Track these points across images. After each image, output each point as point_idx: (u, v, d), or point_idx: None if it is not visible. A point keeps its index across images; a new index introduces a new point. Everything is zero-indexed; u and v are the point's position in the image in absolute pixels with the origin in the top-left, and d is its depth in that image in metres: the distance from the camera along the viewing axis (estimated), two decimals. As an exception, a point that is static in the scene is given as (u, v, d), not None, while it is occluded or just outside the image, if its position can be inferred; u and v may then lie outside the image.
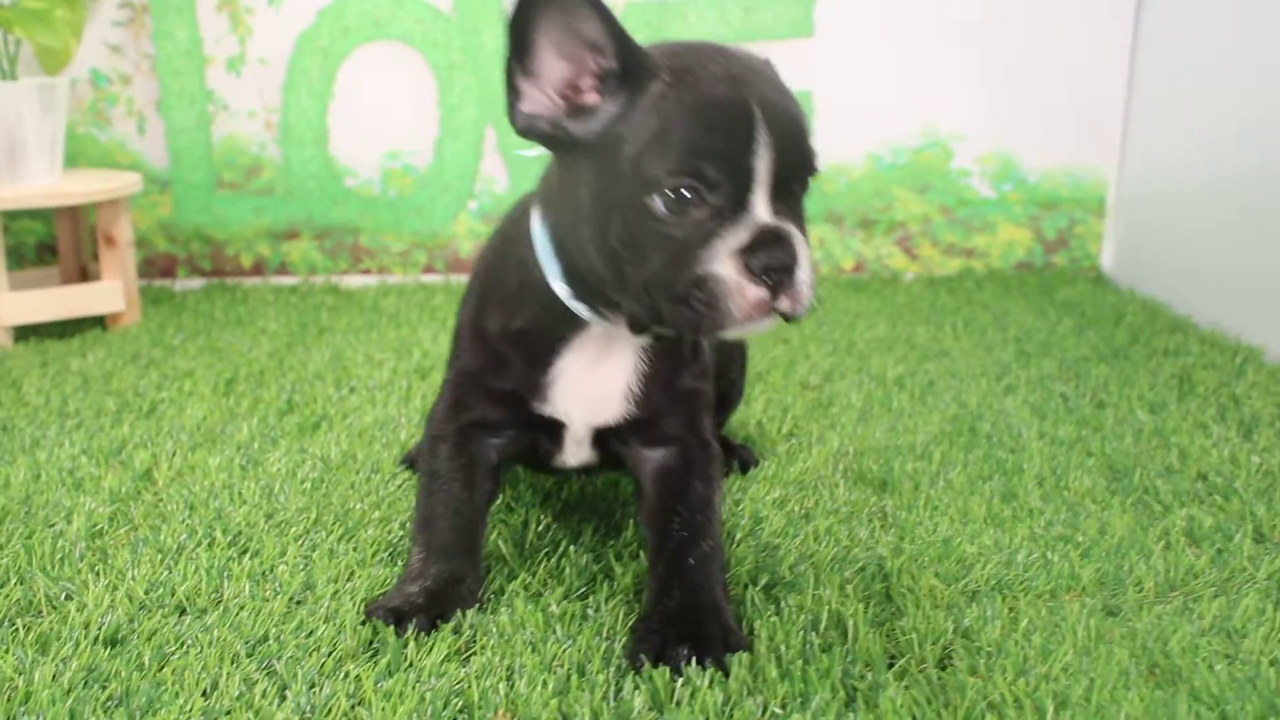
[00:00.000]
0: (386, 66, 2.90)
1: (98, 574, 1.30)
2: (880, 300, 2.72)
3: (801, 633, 1.15)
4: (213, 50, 2.88)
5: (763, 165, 1.08)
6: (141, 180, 2.62)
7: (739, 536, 1.41)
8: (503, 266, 1.29)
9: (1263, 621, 1.19)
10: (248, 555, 1.35)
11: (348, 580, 1.28)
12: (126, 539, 1.40)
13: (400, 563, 1.32)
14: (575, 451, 1.32)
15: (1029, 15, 2.89)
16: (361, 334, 2.44)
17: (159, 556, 1.34)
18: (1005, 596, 1.25)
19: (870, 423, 1.84)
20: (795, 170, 1.11)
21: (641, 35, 2.78)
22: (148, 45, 2.88)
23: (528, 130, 1.13)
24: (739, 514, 1.47)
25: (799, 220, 1.13)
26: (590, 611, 1.21)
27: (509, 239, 1.29)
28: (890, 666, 1.10)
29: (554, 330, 1.25)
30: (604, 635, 1.15)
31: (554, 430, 1.30)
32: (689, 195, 1.08)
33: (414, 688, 1.05)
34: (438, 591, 1.21)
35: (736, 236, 1.07)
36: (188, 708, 1.03)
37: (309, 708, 1.03)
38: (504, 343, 1.28)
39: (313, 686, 1.06)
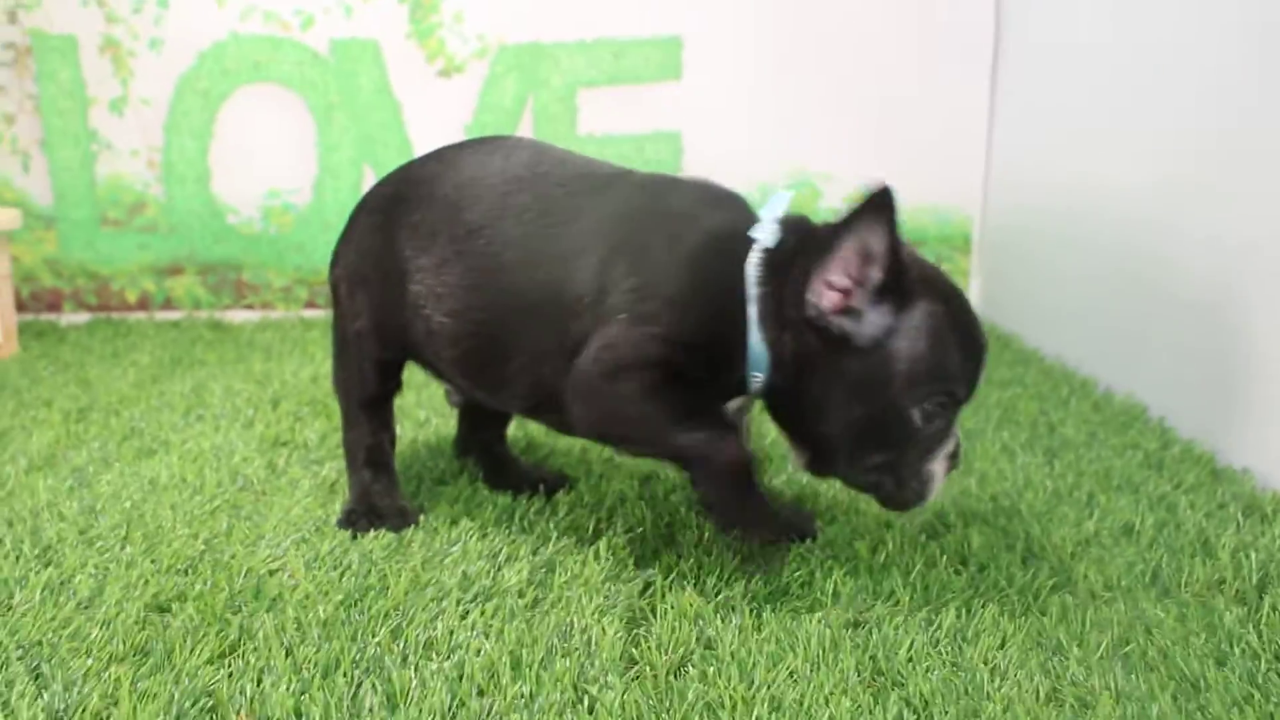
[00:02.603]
0: (266, 107, 2.98)
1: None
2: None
3: (546, 641, 1.21)
4: (96, 91, 2.96)
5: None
6: (20, 217, 2.67)
7: (522, 552, 1.47)
8: (711, 326, 1.36)
9: (996, 632, 1.26)
10: (50, 566, 1.40)
11: (139, 588, 1.34)
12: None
13: (191, 573, 1.38)
14: None
15: (892, 58, 3.01)
16: (229, 366, 2.50)
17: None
18: (758, 610, 1.31)
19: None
20: None
21: (513, 77, 2.91)
22: (31, 86, 2.95)
23: (813, 319, 1.29)
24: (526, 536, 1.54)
25: None
26: (356, 617, 1.27)
27: (713, 288, 1.35)
28: (626, 672, 1.17)
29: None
30: (358, 640, 1.21)
31: None
32: (939, 409, 1.33)
33: (168, 688, 1.11)
34: None
35: (950, 444, 1.38)
36: (-56, 707, 1.08)
37: (61, 707, 1.08)
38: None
39: (69, 688, 1.12)
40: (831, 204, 3.05)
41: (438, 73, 2.98)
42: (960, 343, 1.32)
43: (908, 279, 1.28)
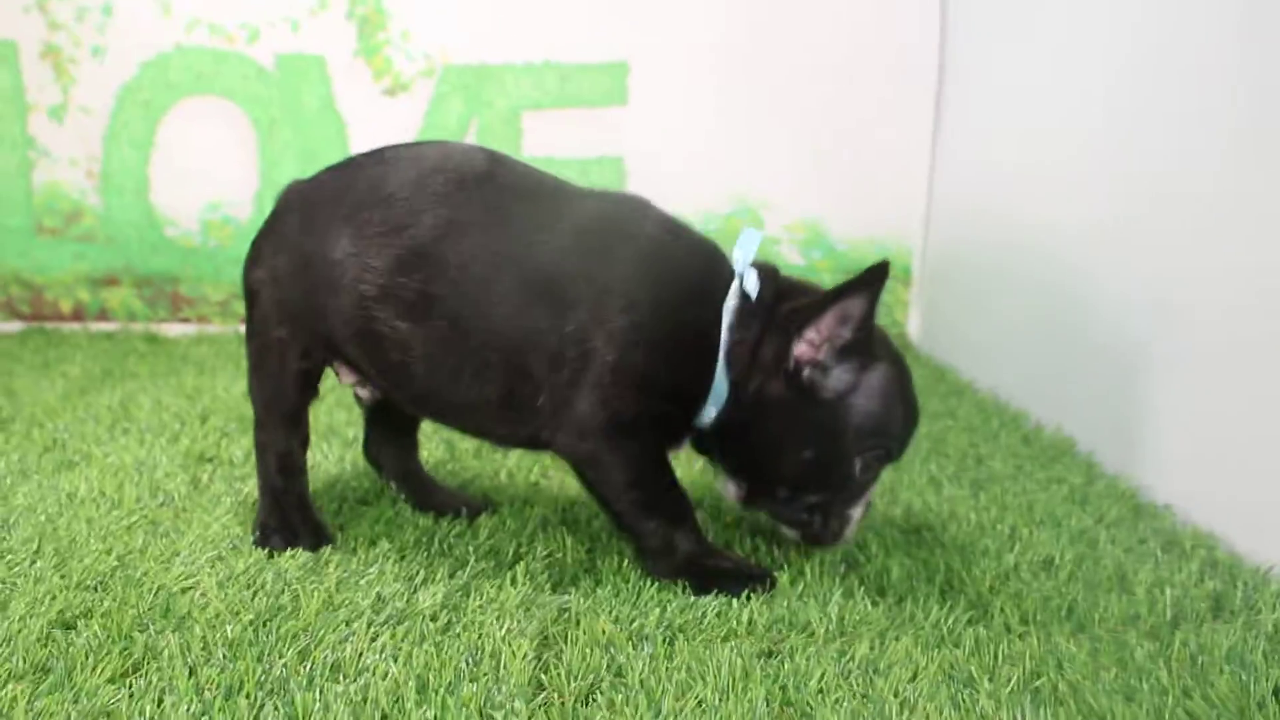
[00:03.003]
0: (208, 120, 2.96)
1: None
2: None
3: (455, 665, 1.20)
4: (35, 97, 2.93)
5: None
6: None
7: (439, 575, 1.46)
8: (684, 359, 1.45)
9: (909, 664, 1.26)
10: (-44, 581, 1.38)
11: (46, 604, 1.32)
12: None
13: (101, 590, 1.36)
14: None
15: (837, 90, 3.03)
16: (160, 380, 2.47)
17: None
18: (671, 638, 1.30)
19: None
20: None
21: (459, 97, 2.91)
22: (-31, 91, 2.93)
23: (795, 371, 1.42)
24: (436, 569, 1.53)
25: None
26: (264, 638, 1.25)
27: (693, 331, 1.46)
28: (534, 698, 1.16)
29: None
30: (264, 661, 1.20)
31: None
32: (875, 461, 1.48)
33: (66, 707, 1.10)
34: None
35: (870, 491, 1.53)
36: None
37: (-48, 725, 1.07)
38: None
39: (-37, 705, 1.10)
40: (772, 232, 3.07)
41: (383, 91, 2.98)
42: (904, 406, 1.48)
43: (873, 342, 1.43)
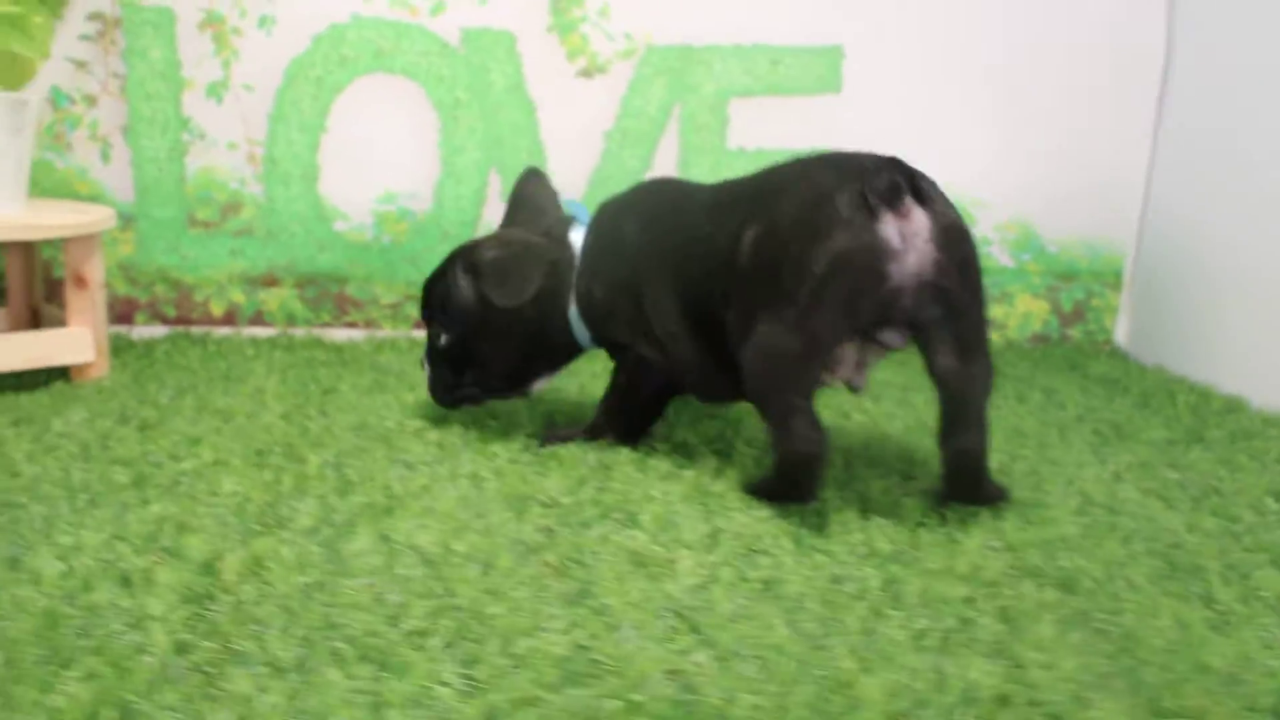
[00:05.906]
0: (386, 101, 2.66)
1: (214, 700, 1.05)
2: (910, 371, 2.54)
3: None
4: (192, 73, 2.61)
5: None
6: (115, 215, 2.33)
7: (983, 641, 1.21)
8: None
9: None
10: (394, 676, 1.11)
11: (533, 705, 1.06)
12: (225, 654, 1.15)
13: (587, 679, 1.10)
14: None
15: (1055, 83, 2.79)
16: (374, 396, 2.18)
17: (278, 680, 1.09)
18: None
19: (1001, 515, 1.65)
20: None
21: (661, 81, 2.64)
22: (118, 64, 2.59)
23: None
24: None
25: None
26: None
27: None
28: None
29: None
30: None
31: None
32: None
33: None
34: None
35: None
36: None
37: None
38: None
39: None
40: (983, 233, 2.83)
41: (578, 72, 2.69)
42: None
43: None
